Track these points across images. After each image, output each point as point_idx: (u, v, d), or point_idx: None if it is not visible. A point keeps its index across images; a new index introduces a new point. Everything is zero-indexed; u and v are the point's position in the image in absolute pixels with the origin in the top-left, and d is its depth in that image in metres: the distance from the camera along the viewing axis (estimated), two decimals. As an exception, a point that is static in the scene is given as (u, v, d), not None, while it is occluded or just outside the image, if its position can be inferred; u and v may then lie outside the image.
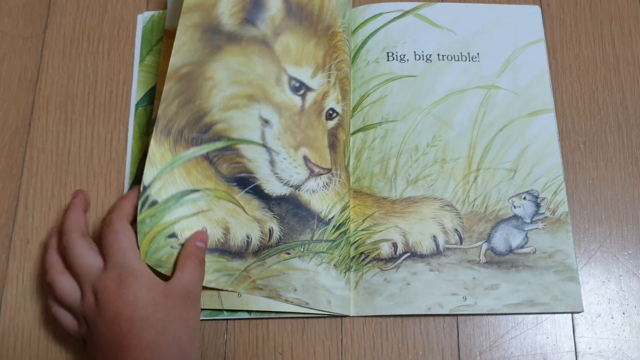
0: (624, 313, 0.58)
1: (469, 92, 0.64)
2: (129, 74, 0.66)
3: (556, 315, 0.58)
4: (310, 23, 0.59)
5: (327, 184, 0.59)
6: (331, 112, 0.60)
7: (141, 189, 0.53)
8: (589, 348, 0.57)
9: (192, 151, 0.55)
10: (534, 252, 0.59)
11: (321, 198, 0.59)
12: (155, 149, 0.54)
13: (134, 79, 0.65)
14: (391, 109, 0.63)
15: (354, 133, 0.63)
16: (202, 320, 0.57)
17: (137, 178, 0.61)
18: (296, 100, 0.58)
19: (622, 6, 0.68)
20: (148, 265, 0.52)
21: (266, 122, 0.57)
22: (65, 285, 0.52)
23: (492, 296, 0.57)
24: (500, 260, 0.59)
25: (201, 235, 0.54)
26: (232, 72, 0.57)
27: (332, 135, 0.60)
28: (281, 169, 0.57)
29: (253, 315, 0.57)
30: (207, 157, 0.56)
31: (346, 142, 0.61)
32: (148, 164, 0.54)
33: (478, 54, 0.66)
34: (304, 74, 0.58)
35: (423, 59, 0.65)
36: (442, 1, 0.68)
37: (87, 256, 0.52)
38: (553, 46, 0.67)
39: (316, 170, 0.58)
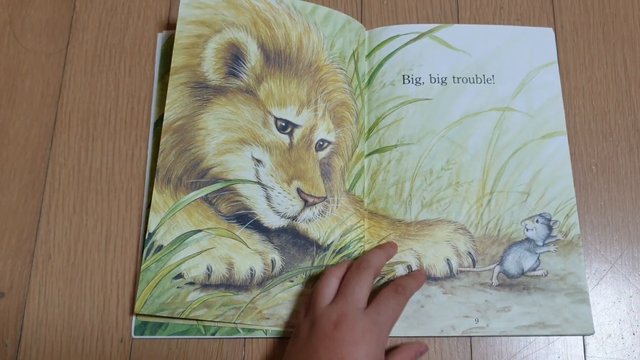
0: (634, 334, 0.59)
1: (484, 114, 0.65)
2: (149, 90, 0.66)
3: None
4: (290, 65, 0.63)
5: (322, 211, 0.61)
6: (322, 142, 0.63)
7: (146, 236, 0.58)
8: (599, 368, 0.58)
9: (192, 195, 0.60)
10: (546, 275, 0.60)
11: (318, 226, 0.61)
12: (158, 197, 0.60)
13: (154, 97, 0.66)
14: (406, 132, 0.64)
15: (369, 154, 0.64)
16: (219, 338, 0.59)
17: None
18: (284, 138, 0.62)
19: (635, 29, 0.69)
20: None
21: (258, 161, 0.61)
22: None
23: (504, 318, 0.58)
24: (513, 282, 0.60)
25: None
26: (223, 121, 0.61)
27: (326, 164, 0.62)
28: (277, 202, 0.61)
29: (269, 335, 0.59)
30: (206, 199, 0.60)
31: (345, 167, 0.63)
32: (152, 212, 0.59)
33: (493, 76, 0.66)
34: (289, 114, 0.62)
35: (438, 82, 0.66)
36: (457, 22, 0.69)
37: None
38: (566, 68, 0.68)
39: (310, 200, 0.61)
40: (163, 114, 0.63)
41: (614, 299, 0.60)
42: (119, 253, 0.61)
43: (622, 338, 0.59)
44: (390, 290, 0.55)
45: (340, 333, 0.51)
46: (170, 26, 0.69)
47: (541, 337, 0.59)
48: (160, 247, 0.59)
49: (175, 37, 0.63)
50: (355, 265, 0.57)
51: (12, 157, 0.64)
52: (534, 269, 0.60)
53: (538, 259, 0.60)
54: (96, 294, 0.60)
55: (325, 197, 0.61)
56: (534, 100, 0.65)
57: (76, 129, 0.65)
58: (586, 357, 0.58)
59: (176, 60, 0.63)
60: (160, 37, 0.68)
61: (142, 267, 0.58)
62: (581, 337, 0.59)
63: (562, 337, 0.59)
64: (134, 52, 0.68)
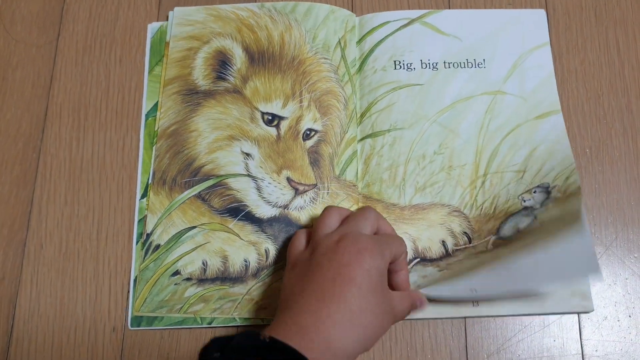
0: (630, 316, 0.59)
1: (475, 98, 0.64)
2: (140, 80, 0.66)
3: (563, 318, 0.58)
4: (274, 62, 0.65)
5: (313, 198, 0.62)
6: (309, 131, 0.63)
7: (144, 237, 0.60)
8: (596, 351, 0.58)
9: (185, 193, 0.62)
10: (541, 225, 0.59)
11: (310, 213, 0.61)
12: (154, 199, 0.61)
13: (144, 89, 0.66)
14: (399, 117, 0.64)
15: (362, 139, 0.64)
16: (215, 327, 0.59)
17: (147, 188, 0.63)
18: (271, 131, 0.63)
19: (627, 11, 0.69)
20: None
21: (248, 155, 0.62)
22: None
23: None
24: (508, 242, 0.59)
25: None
26: (212, 121, 0.63)
27: (314, 152, 0.63)
28: (268, 193, 0.61)
29: (266, 322, 0.58)
30: (199, 196, 0.62)
31: (334, 153, 0.63)
32: (149, 213, 0.61)
33: (484, 60, 0.66)
34: (274, 107, 0.63)
35: (429, 67, 0.66)
36: (448, 8, 0.69)
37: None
38: (559, 51, 0.67)
39: (300, 188, 0.62)
40: (154, 104, 0.65)
41: (609, 282, 0.60)
42: (110, 242, 0.61)
43: (618, 320, 0.59)
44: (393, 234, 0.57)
45: (343, 244, 0.50)
46: (162, 11, 0.69)
47: (537, 320, 0.58)
48: (157, 247, 0.60)
49: (169, 53, 0.66)
50: (360, 207, 0.59)
51: (3, 148, 0.64)
52: (530, 225, 0.59)
53: (535, 217, 0.60)
54: (88, 283, 0.60)
55: (316, 184, 0.62)
56: (526, 82, 0.65)
57: (67, 119, 0.65)
58: (582, 340, 0.58)
59: (169, 72, 0.65)
60: (150, 29, 0.68)
61: (140, 267, 0.59)
62: (577, 320, 0.58)
63: (558, 320, 0.58)
64: (124, 43, 0.68)
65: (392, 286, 0.56)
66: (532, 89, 0.65)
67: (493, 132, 0.63)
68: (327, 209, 0.57)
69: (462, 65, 0.66)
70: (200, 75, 0.65)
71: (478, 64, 0.66)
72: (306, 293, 0.49)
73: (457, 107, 0.64)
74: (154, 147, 0.63)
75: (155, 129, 0.64)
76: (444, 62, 0.66)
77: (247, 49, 0.66)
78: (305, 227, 0.61)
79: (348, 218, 0.56)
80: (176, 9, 0.68)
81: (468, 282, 0.56)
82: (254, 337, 0.45)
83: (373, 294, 0.49)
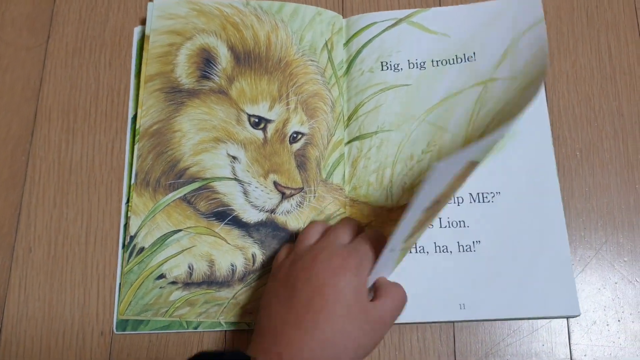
0: (619, 320, 0.59)
1: (466, 91, 0.63)
2: (129, 83, 0.66)
3: (552, 322, 0.58)
4: (260, 63, 0.64)
5: (300, 202, 0.61)
6: (295, 134, 0.63)
7: (128, 239, 0.59)
8: (585, 355, 0.57)
9: (170, 196, 0.61)
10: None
11: (297, 217, 0.61)
12: (137, 200, 0.60)
13: (131, 93, 0.66)
14: (386, 118, 0.63)
15: (349, 142, 0.63)
16: (201, 331, 0.58)
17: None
18: (258, 134, 0.62)
19: (619, 15, 0.68)
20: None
21: (234, 158, 0.62)
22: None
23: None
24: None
25: None
26: (197, 122, 0.62)
27: (301, 156, 0.62)
28: (255, 197, 0.61)
29: (251, 326, 0.58)
30: (185, 198, 0.61)
31: (321, 157, 0.63)
32: (132, 215, 0.60)
33: (474, 53, 0.64)
34: (261, 110, 0.63)
35: (417, 67, 0.65)
36: (439, 6, 0.68)
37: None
38: (550, 52, 0.67)
39: (287, 192, 0.61)
40: (138, 113, 0.64)
41: (599, 286, 0.60)
42: (99, 246, 0.61)
43: (607, 325, 0.58)
44: (370, 231, 0.56)
45: (319, 262, 0.51)
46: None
47: (525, 325, 0.58)
48: (142, 249, 0.59)
49: (149, 47, 0.64)
50: (341, 219, 0.59)
51: (-8, 151, 0.64)
52: None
53: None
54: (76, 287, 0.60)
55: (302, 188, 0.62)
56: (518, 62, 0.62)
57: (56, 122, 0.65)
58: (571, 344, 0.58)
59: (150, 68, 0.64)
60: (136, 32, 0.68)
61: (124, 270, 0.59)
62: (566, 324, 0.58)
63: (547, 325, 0.58)
64: (114, 45, 0.68)
65: None
66: (523, 66, 0.61)
67: (482, 119, 0.62)
68: (311, 223, 0.58)
69: (452, 62, 0.65)
70: (184, 73, 0.64)
71: (467, 58, 0.64)
72: (284, 319, 0.49)
73: (447, 103, 0.63)
74: (135, 146, 0.62)
75: (137, 127, 0.63)
76: (432, 61, 0.65)
77: (232, 48, 0.65)
78: (292, 237, 0.61)
79: (328, 230, 0.56)
80: (156, 0, 0.66)
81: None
82: None
83: (347, 315, 0.49)
